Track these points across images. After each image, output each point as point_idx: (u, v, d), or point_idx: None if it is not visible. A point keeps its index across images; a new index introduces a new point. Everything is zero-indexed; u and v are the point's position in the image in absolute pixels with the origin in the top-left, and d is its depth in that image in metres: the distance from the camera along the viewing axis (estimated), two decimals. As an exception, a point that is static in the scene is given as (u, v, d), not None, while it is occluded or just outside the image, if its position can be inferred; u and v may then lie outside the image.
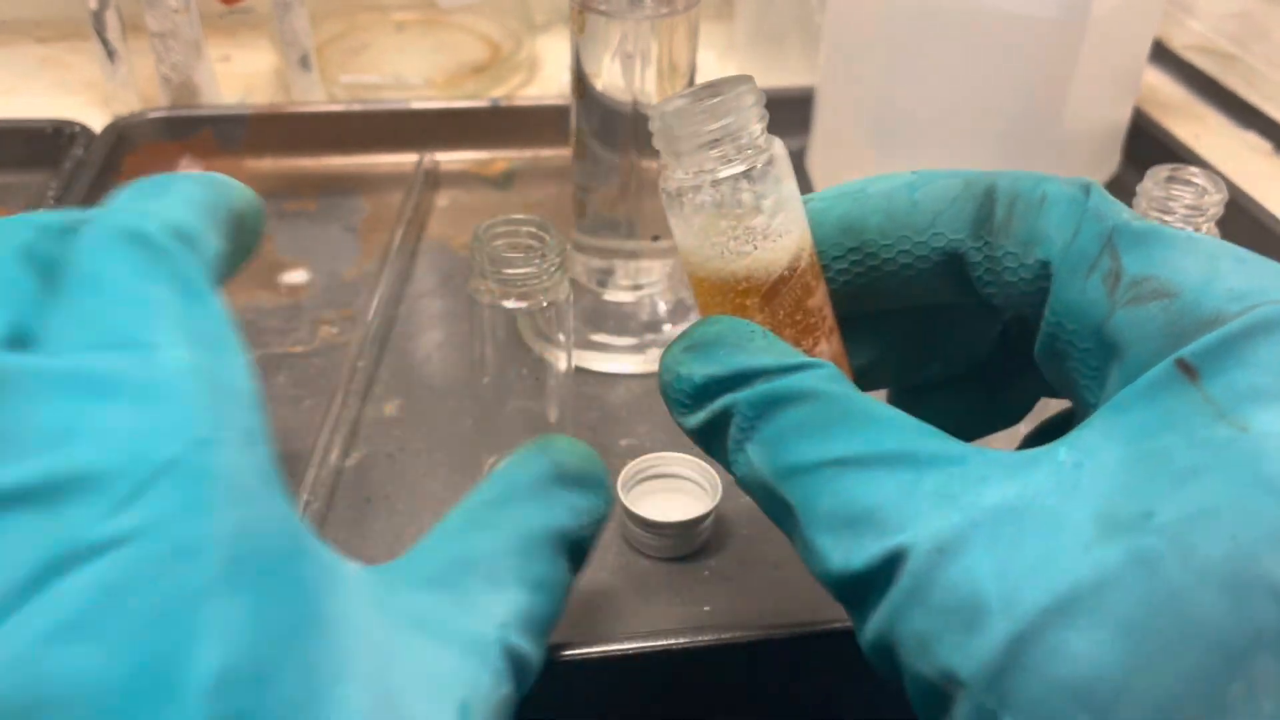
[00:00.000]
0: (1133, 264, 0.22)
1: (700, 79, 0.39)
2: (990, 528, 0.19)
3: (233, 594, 0.17)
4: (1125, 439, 0.20)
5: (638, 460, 0.36)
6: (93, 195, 0.51)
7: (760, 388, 0.23)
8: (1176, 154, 0.55)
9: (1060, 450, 0.20)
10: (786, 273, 0.24)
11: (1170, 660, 0.17)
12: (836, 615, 0.32)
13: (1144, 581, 0.18)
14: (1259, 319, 0.20)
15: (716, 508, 0.35)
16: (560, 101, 0.58)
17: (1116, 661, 0.17)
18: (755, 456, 0.23)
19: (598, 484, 0.26)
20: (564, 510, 0.25)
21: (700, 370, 0.23)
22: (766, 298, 0.24)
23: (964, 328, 0.27)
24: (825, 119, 0.54)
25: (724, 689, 0.32)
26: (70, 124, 0.55)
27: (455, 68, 0.66)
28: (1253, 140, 0.63)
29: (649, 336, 0.45)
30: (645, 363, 0.44)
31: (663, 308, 0.45)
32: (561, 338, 0.34)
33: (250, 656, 0.17)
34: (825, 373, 0.23)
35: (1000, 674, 0.18)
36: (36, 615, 0.16)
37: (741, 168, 0.23)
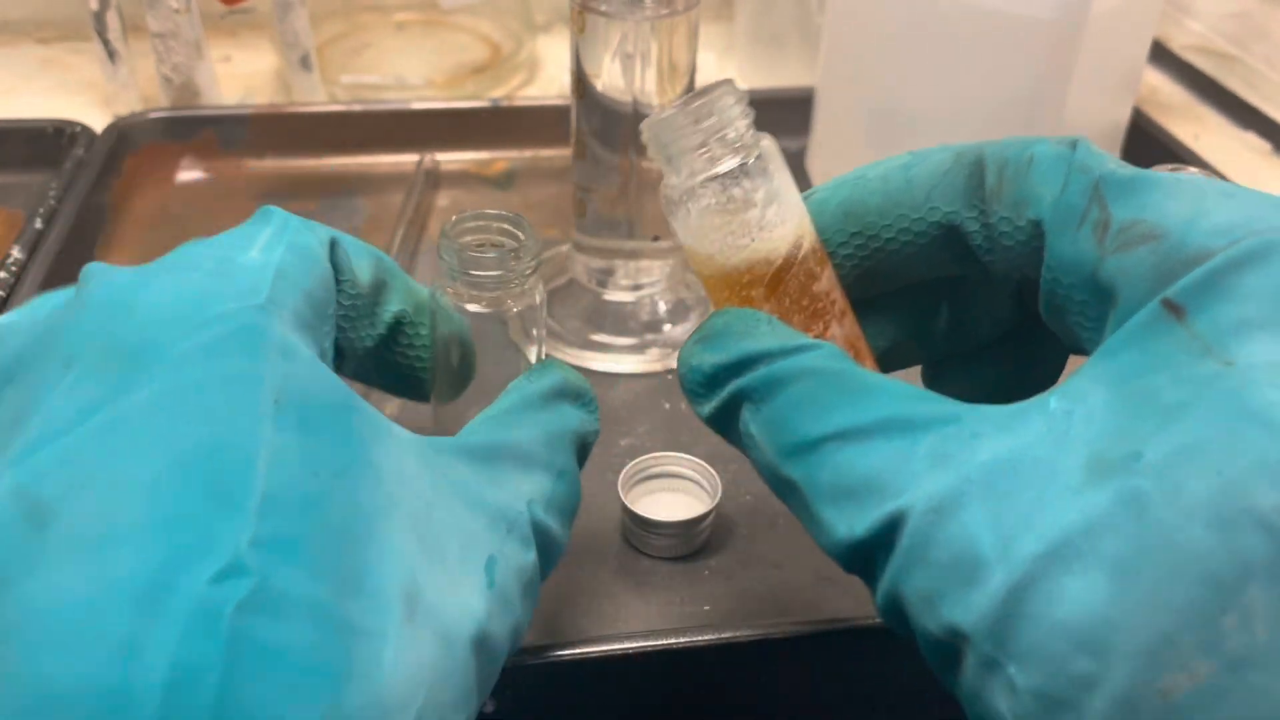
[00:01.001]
0: (1120, 211, 0.22)
1: (700, 79, 0.39)
2: (984, 483, 0.20)
3: (279, 430, 0.19)
4: (1114, 382, 0.20)
5: (638, 460, 0.36)
6: (93, 195, 0.51)
7: (763, 370, 0.23)
8: (1176, 154, 0.55)
9: (1051, 399, 0.21)
10: (787, 261, 0.25)
11: (1163, 597, 0.17)
12: (836, 615, 0.33)
13: (1133, 522, 0.18)
14: (1243, 251, 0.20)
15: (716, 508, 0.35)
16: (560, 101, 0.58)
17: (1111, 602, 0.18)
18: (760, 438, 0.23)
19: (592, 399, 0.28)
20: (573, 416, 0.27)
21: (710, 359, 0.24)
22: (771, 287, 0.25)
23: (979, 297, 0.28)
24: (825, 119, 0.54)
25: (724, 689, 0.32)
26: (71, 124, 0.55)
27: (455, 68, 0.66)
28: (1252, 140, 0.63)
29: (649, 336, 0.45)
30: (645, 363, 0.44)
31: (663, 308, 0.45)
32: (532, 348, 0.31)
33: (296, 486, 0.18)
34: (825, 352, 0.23)
35: (1001, 624, 0.19)
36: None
37: (730, 165, 0.24)
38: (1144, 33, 0.51)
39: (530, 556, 0.23)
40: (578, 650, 0.30)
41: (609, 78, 0.39)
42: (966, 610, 0.19)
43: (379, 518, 0.20)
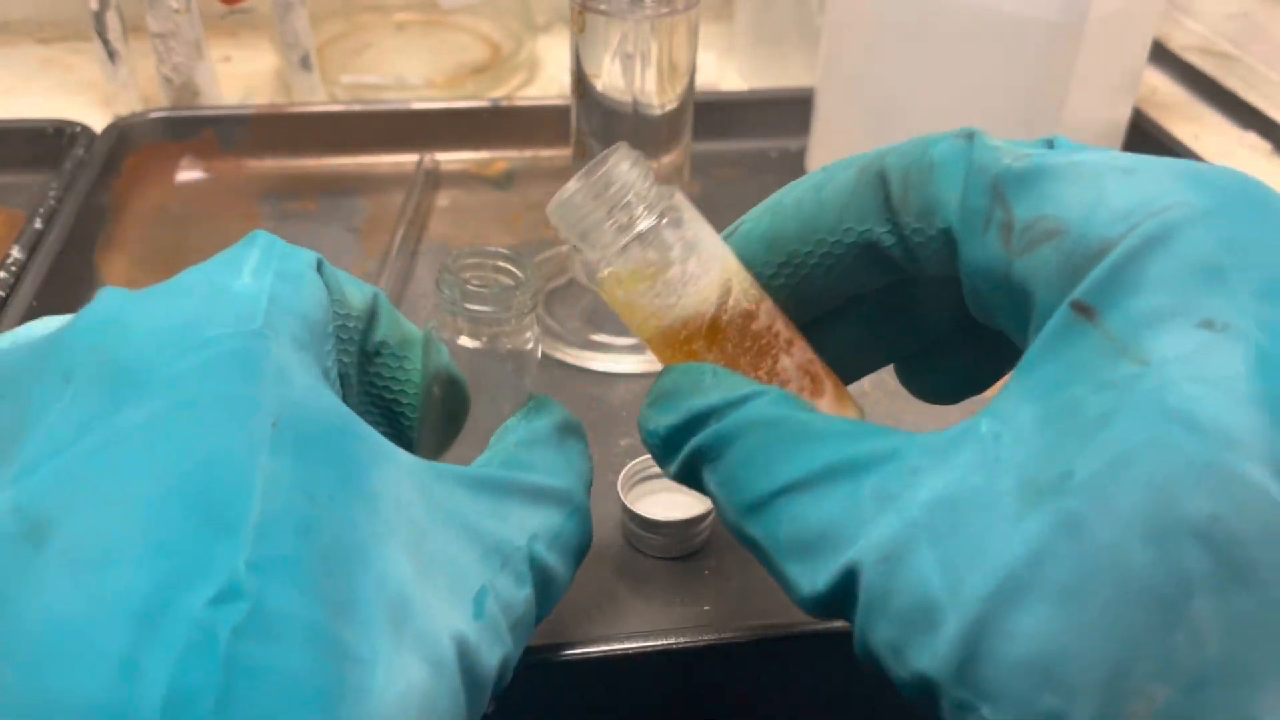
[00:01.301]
0: (1022, 209, 0.22)
1: (700, 79, 0.39)
2: (928, 524, 0.20)
3: (275, 454, 0.19)
4: (1037, 397, 0.20)
5: (638, 460, 0.36)
6: (93, 196, 0.51)
7: (712, 428, 0.24)
8: (1175, 154, 0.55)
9: (982, 422, 0.20)
10: (719, 310, 0.25)
11: (1112, 622, 0.17)
12: (836, 615, 0.33)
13: (1073, 546, 0.17)
14: (1143, 237, 0.19)
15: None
16: (560, 101, 0.58)
17: (1063, 633, 0.17)
18: (719, 497, 0.24)
19: (586, 437, 0.28)
20: (579, 454, 0.27)
21: (663, 422, 0.25)
22: (709, 337, 0.25)
23: (926, 297, 0.27)
24: (825, 119, 0.54)
25: (724, 689, 0.32)
26: (71, 124, 0.55)
27: (455, 68, 0.66)
28: (1252, 140, 0.63)
29: (649, 336, 0.45)
30: (645, 363, 0.44)
31: (663, 308, 0.45)
32: (528, 386, 0.29)
33: (291, 510, 0.18)
34: (768, 399, 0.23)
35: (964, 668, 0.18)
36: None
37: (639, 229, 0.25)
38: (1144, 33, 0.51)
39: (524, 593, 0.23)
40: (578, 650, 0.30)
41: (609, 78, 0.39)
42: (931, 657, 0.19)
43: (373, 543, 0.20)
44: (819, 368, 0.27)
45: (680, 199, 0.26)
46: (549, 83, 0.68)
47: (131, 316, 0.21)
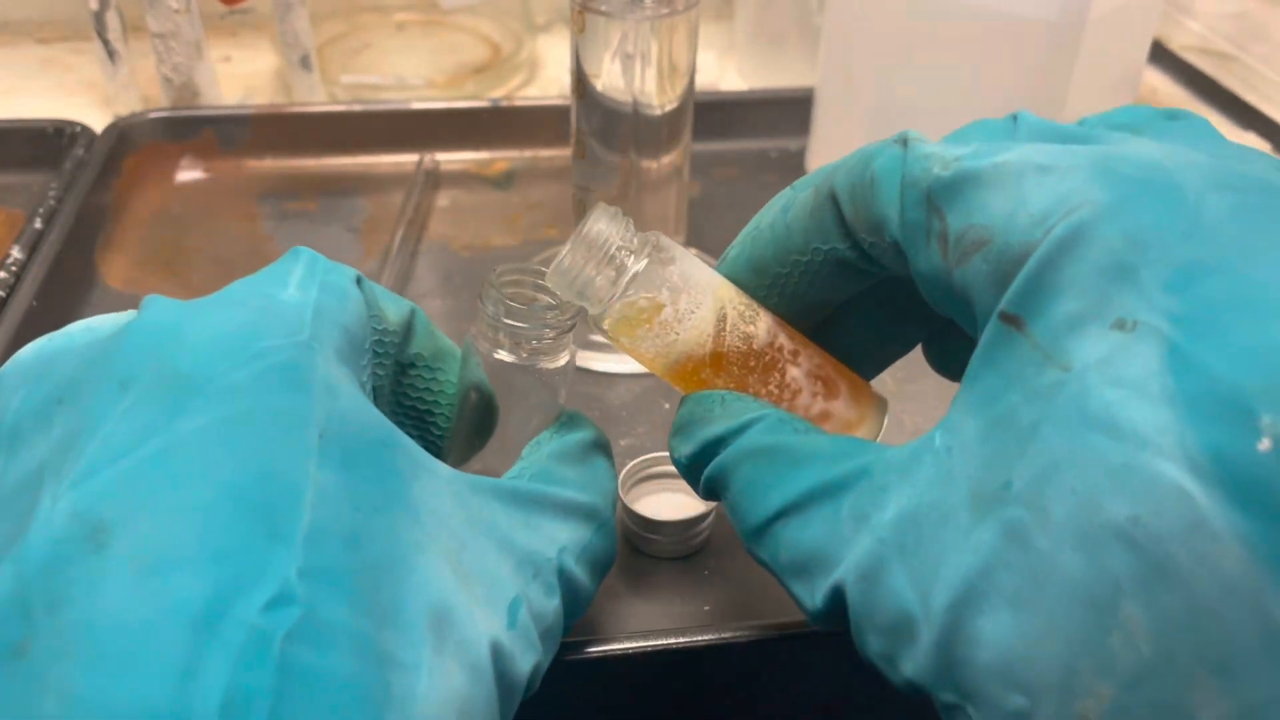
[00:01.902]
0: (955, 218, 0.22)
1: (700, 79, 0.39)
2: (896, 541, 0.20)
3: (323, 465, 0.19)
4: (979, 409, 0.20)
5: (638, 460, 0.36)
6: (93, 195, 0.51)
7: (719, 458, 0.25)
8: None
9: (936, 435, 0.21)
10: (717, 339, 0.26)
11: (1058, 626, 0.17)
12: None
13: (1019, 554, 0.18)
14: (1058, 240, 0.19)
15: (716, 508, 0.35)
16: (560, 101, 0.58)
17: (1019, 637, 0.18)
18: (733, 523, 0.25)
19: (612, 455, 0.29)
20: (605, 470, 0.28)
21: (684, 451, 0.26)
22: (714, 365, 0.26)
23: (917, 288, 0.28)
24: (825, 119, 0.54)
25: (724, 689, 0.32)
26: (71, 124, 0.55)
27: (456, 68, 0.66)
28: (1252, 140, 0.63)
29: (649, 336, 0.45)
30: (645, 363, 0.44)
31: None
32: (561, 402, 0.30)
33: (339, 520, 0.19)
34: (764, 425, 0.24)
35: (944, 674, 0.19)
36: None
37: (628, 277, 0.26)
38: (1144, 33, 0.51)
39: (553, 603, 0.24)
40: (578, 650, 0.30)
41: (609, 78, 0.39)
42: (915, 666, 0.20)
43: (415, 552, 0.20)
44: (830, 369, 0.27)
45: (664, 241, 0.27)
46: (549, 83, 0.68)
47: (186, 326, 0.21)
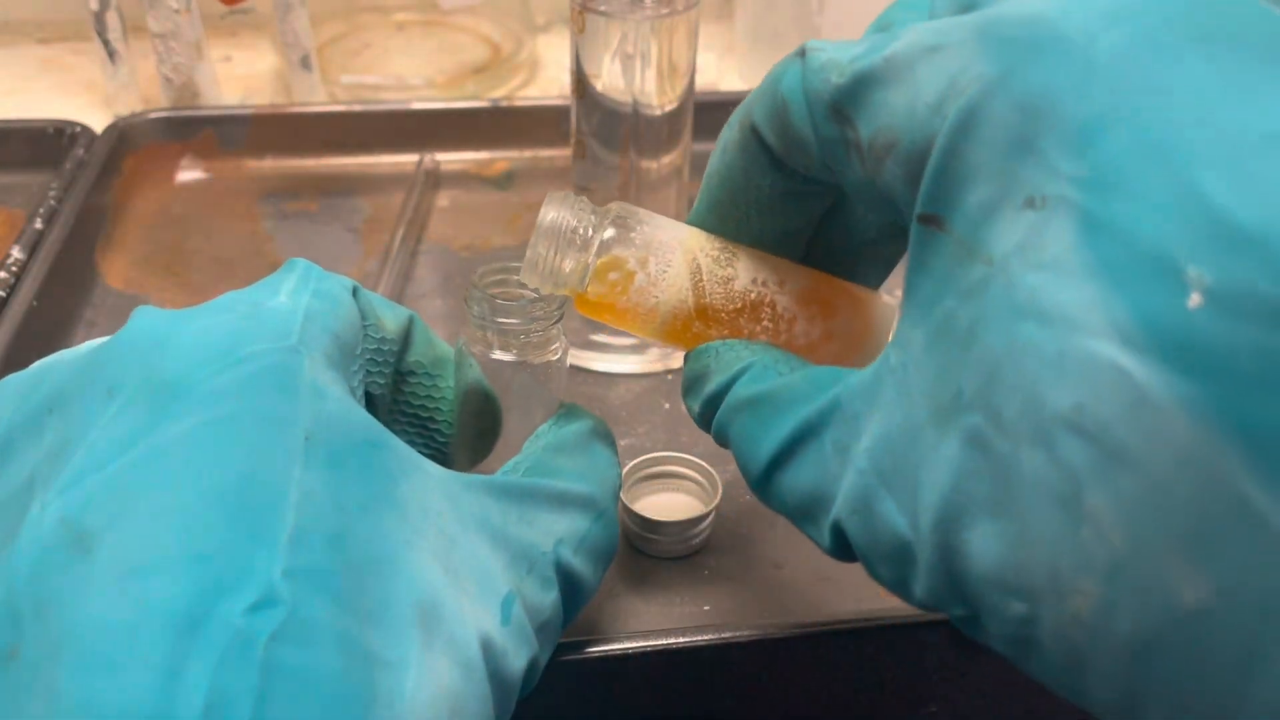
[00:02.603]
0: (864, 126, 0.21)
1: (700, 79, 0.39)
2: (875, 470, 0.20)
3: (308, 466, 0.19)
4: (922, 320, 0.20)
5: (638, 460, 0.36)
6: (93, 195, 0.51)
7: (718, 415, 0.25)
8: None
9: (891, 354, 0.20)
10: (696, 290, 0.26)
11: (1032, 528, 0.17)
12: (836, 615, 0.33)
13: (983, 462, 0.18)
14: (953, 127, 0.18)
15: (716, 508, 0.35)
16: (560, 101, 0.58)
17: (1003, 545, 0.17)
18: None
19: (615, 443, 0.29)
20: (606, 460, 0.27)
21: (694, 410, 0.26)
22: (702, 317, 0.26)
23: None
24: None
25: (724, 689, 0.32)
26: (71, 124, 0.55)
27: (456, 68, 0.66)
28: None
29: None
30: (645, 362, 0.44)
31: (663, 308, 0.45)
32: (559, 395, 0.30)
33: (324, 520, 0.19)
34: (749, 376, 0.24)
35: (948, 591, 0.19)
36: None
37: (591, 255, 0.26)
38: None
39: (550, 597, 0.24)
40: (578, 650, 0.30)
41: (609, 78, 0.39)
42: (924, 588, 0.19)
43: (403, 550, 0.20)
44: (825, 289, 0.27)
45: (623, 210, 0.27)
46: (549, 83, 0.68)
47: (172, 333, 0.21)
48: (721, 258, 0.26)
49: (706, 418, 0.26)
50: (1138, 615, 0.16)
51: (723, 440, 0.25)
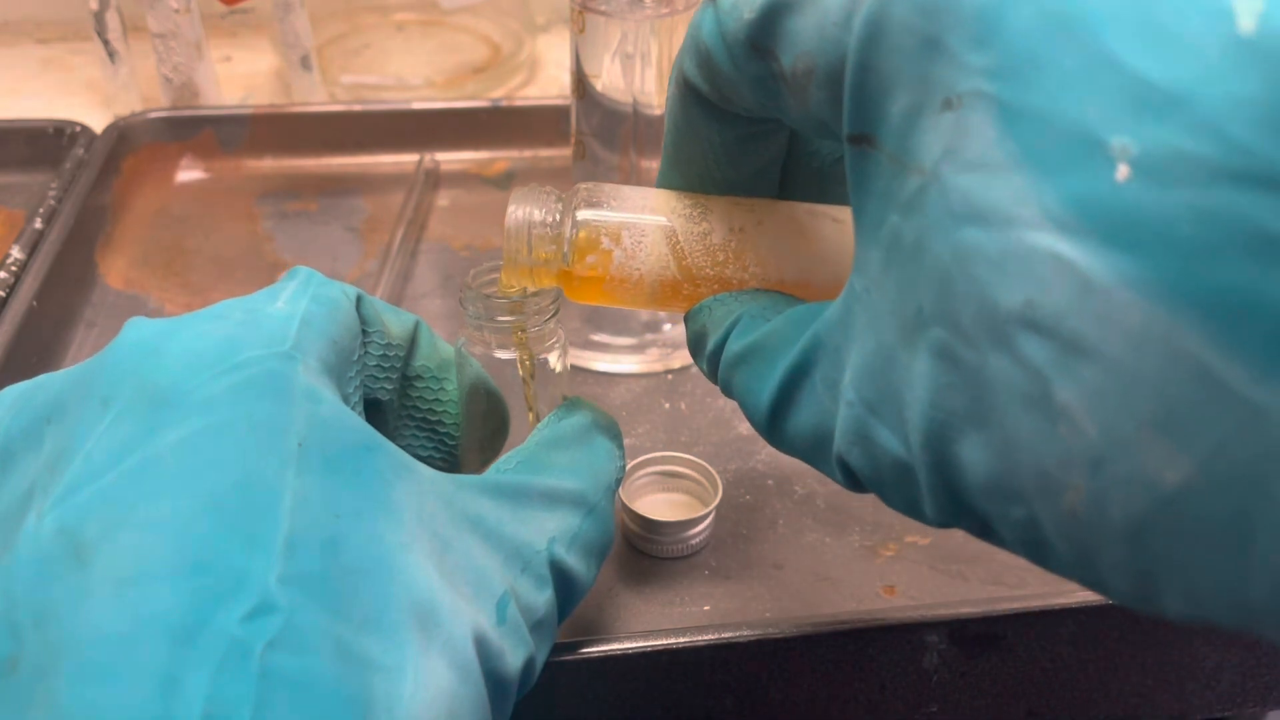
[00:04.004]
0: (784, 56, 0.21)
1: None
2: (862, 400, 0.20)
3: (302, 472, 0.19)
4: (873, 240, 0.19)
5: (638, 460, 0.36)
6: (93, 195, 0.51)
7: (719, 374, 0.25)
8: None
9: (855, 281, 0.20)
10: (676, 255, 0.26)
11: (1011, 432, 0.16)
12: (836, 615, 0.32)
13: (953, 374, 0.17)
14: (860, 40, 0.18)
15: (716, 508, 0.35)
16: (560, 101, 0.58)
17: (989, 453, 0.17)
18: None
19: (619, 436, 0.28)
20: (604, 453, 0.27)
21: (703, 367, 0.26)
22: (688, 278, 0.26)
23: None
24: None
25: (724, 689, 0.32)
26: (71, 124, 0.55)
27: (456, 68, 0.66)
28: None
29: (649, 336, 0.45)
30: (645, 362, 0.44)
31: (663, 308, 0.45)
32: (560, 391, 0.31)
33: (318, 526, 0.19)
34: (740, 327, 0.24)
35: (955, 507, 0.18)
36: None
37: (566, 246, 0.26)
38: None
39: (545, 595, 0.24)
40: (578, 650, 0.30)
41: (609, 78, 0.39)
42: (932, 508, 0.19)
43: (398, 554, 0.20)
44: (806, 218, 0.27)
45: (587, 189, 0.27)
46: (549, 83, 0.68)
47: (166, 341, 0.21)
48: (694, 214, 0.26)
49: (714, 377, 0.25)
50: (1127, 503, 0.15)
51: (731, 396, 0.25)
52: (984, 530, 0.19)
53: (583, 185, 0.27)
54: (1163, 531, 0.15)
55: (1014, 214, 0.16)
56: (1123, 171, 0.15)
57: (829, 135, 0.21)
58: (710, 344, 0.25)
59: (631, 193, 0.27)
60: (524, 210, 0.26)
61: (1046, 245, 0.15)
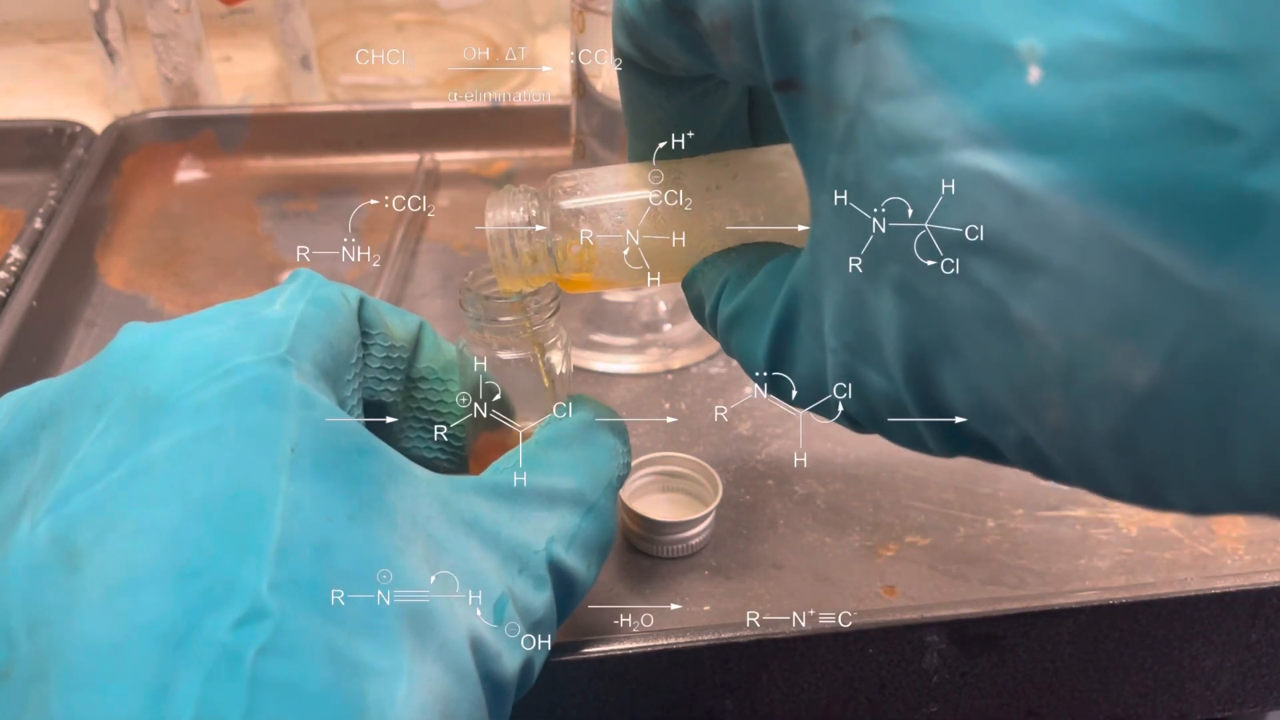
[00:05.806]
0: (702, 13, 0.21)
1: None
2: (843, 345, 0.20)
3: (294, 477, 0.19)
4: (819, 185, 0.19)
5: (638, 460, 0.36)
6: (93, 196, 0.51)
7: (719, 339, 0.25)
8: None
9: (816, 227, 0.20)
10: (658, 227, 0.26)
11: (982, 356, 0.16)
12: (836, 615, 0.32)
13: (916, 308, 0.17)
14: None
15: (716, 508, 0.35)
16: (560, 101, 0.58)
17: (967, 380, 0.17)
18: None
19: (624, 432, 0.28)
20: (606, 451, 0.27)
21: (710, 332, 0.26)
22: (678, 246, 0.26)
23: None
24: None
25: (724, 689, 0.32)
26: (71, 124, 0.55)
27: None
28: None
29: (649, 336, 0.45)
30: (645, 362, 0.44)
31: (663, 308, 0.45)
32: (563, 388, 0.31)
33: (311, 531, 0.19)
34: (730, 288, 0.24)
35: (952, 436, 0.19)
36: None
37: (550, 241, 0.26)
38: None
39: (542, 596, 0.24)
40: (578, 650, 0.30)
41: (609, 77, 0.39)
42: (933, 441, 0.19)
43: (392, 557, 0.20)
44: (784, 161, 0.26)
45: (559, 179, 0.27)
46: (549, 83, 0.68)
47: (159, 347, 0.21)
48: (669, 181, 0.26)
49: (720, 341, 0.25)
50: (1105, 410, 0.15)
51: (734, 359, 0.25)
52: (992, 454, 0.18)
53: (556, 176, 0.27)
54: (1146, 433, 0.15)
55: (938, 137, 0.15)
56: (1034, 74, 0.14)
57: (763, 84, 0.21)
58: (707, 309, 0.25)
59: (605, 173, 0.27)
60: (502, 214, 0.26)
61: (974, 164, 0.15)
